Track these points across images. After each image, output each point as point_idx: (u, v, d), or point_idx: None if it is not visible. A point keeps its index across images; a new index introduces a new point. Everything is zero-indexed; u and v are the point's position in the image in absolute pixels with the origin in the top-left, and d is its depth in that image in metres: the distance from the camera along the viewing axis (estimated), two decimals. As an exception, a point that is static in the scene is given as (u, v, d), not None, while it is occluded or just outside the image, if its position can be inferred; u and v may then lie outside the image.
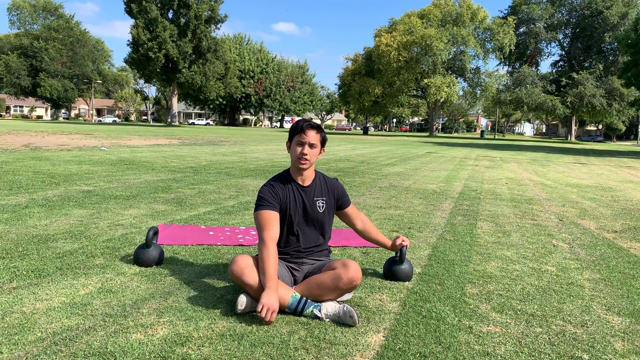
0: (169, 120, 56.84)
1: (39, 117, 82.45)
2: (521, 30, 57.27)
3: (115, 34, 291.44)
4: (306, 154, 2.50)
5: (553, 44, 60.70)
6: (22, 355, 1.79)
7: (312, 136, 2.50)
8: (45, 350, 1.83)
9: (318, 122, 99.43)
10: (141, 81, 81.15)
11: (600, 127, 78.93)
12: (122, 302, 2.34)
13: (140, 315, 2.19)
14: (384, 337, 2.09)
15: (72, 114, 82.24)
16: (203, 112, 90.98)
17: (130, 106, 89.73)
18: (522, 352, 2.01)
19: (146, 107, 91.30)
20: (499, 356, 1.97)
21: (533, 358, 1.97)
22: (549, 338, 2.16)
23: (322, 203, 2.63)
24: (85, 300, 2.34)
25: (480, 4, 50.89)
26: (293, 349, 1.95)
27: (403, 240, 2.87)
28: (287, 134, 2.64)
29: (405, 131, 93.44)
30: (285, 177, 2.60)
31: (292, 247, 2.59)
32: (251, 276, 2.29)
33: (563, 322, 2.35)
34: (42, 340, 1.91)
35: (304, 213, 2.58)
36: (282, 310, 2.27)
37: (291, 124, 2.46)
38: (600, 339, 2.18)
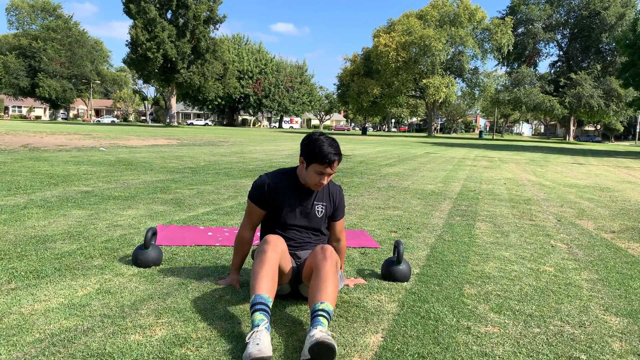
0: (168, 120, 56.79)
1: (38, 117, 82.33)
2: (519, 30, 57.38)
3: (113, 34, 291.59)
4: (324, 183, 2.45)
5: (551, 45, 60.92)
6: (21, 356, 1.79)
7: (336, 167, 2.43)
8: (43, 352, 1.83)
9: (316, 122, 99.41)
10: (140, 81, 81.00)
11: (598, 127, 79.08)
12: (120, 303, 2.34)
13: (139, 316, 2.19)
14: (382, 337, 2.10)
15: (71, 115, 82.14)
16: (202, 112, 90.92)
17: (129, 106, 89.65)
18: (520, 353, 2.02)
19: (145, 108, 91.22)
20: (497, 356, 1.98)
21: (531, 358, 1.97)
22: (547, 338, 2.17)
23: (322, 208, 2.57)
24: (83, 301, 2.34)
25: (478, 4, 50.92)
26: (292, 350, 1.95)
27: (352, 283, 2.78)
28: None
29: (404, 131, 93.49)
30: (291, 175, 2.55)
31: (288, 242, 2.53)
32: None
33: (561, 323, 2.35)
34: (41, 342, 1.91)
35: (300, 213, 2.53)
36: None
37: (308, 143, 2.41)
38: (598, 339, 2.19)
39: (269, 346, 1.84)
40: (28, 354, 1.81)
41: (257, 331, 1.90)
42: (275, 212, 2.53)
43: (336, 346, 1.86)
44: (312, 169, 2.42)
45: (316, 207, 2.55)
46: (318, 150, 2.37)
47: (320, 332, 1.88)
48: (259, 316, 1.99)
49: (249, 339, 1.88)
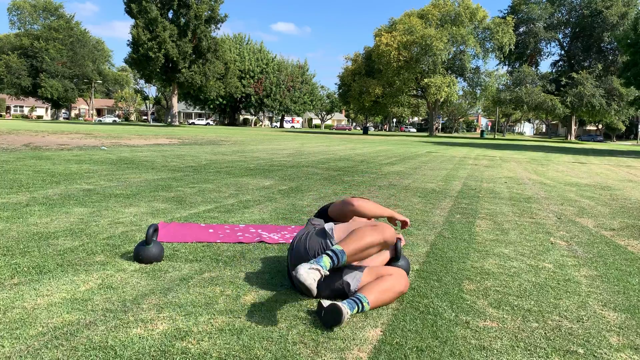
0: (169, 120, 56.85)
1: (39, 117, 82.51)
2: (521, 30, 57.35)
3: (115, 34, 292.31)
4: None
5: (553, 44, 60.95)
6: (24, 349, 1.82)
7: None
8: (46, 345, 1.85)
9: (318, 122, 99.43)
10: (141, 81, 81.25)
11: (600, 126, 78.97)
12: (122, 297, 2.36)
13: (140, 311, 2.21)
14: (381, 331, 2.12)
15: (72, 114, 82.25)
16: (203, 112, 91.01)
17: (131, 106, 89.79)
18: (518, 347, 2.03)
19: (146, 107, 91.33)
20: (495, 350, 1.99)
21: (529, 352, 1.99)
22: (545, 333, 2.18)
23: None
24: (85, 296, 2.36)
25: (479, 3, 50.83)
26: (291, 343, 1.97)
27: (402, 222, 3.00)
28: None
29: (402, 131, 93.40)
30: None
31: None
32: None
33: (559, 318, 2.37)
34: (43, 335, 1.93)
35: None
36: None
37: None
38: (596, 333, 2.20)
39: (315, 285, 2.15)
40: (31, 346, 1.84)
41: (319, 269, 2.21)
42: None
43: (344, 317, 2.08)
44: None
45: None
46: None
47: (343, 305, 2.13)
48: (327, 261, 2.26)
49: (310, 268, 2.18)
